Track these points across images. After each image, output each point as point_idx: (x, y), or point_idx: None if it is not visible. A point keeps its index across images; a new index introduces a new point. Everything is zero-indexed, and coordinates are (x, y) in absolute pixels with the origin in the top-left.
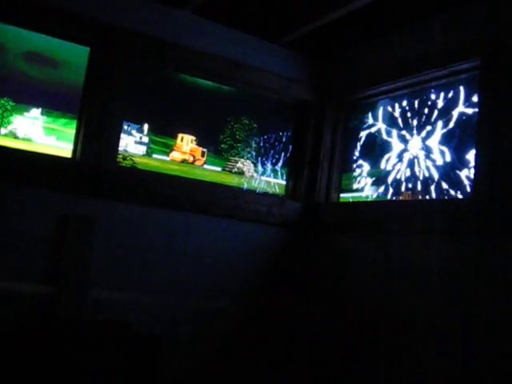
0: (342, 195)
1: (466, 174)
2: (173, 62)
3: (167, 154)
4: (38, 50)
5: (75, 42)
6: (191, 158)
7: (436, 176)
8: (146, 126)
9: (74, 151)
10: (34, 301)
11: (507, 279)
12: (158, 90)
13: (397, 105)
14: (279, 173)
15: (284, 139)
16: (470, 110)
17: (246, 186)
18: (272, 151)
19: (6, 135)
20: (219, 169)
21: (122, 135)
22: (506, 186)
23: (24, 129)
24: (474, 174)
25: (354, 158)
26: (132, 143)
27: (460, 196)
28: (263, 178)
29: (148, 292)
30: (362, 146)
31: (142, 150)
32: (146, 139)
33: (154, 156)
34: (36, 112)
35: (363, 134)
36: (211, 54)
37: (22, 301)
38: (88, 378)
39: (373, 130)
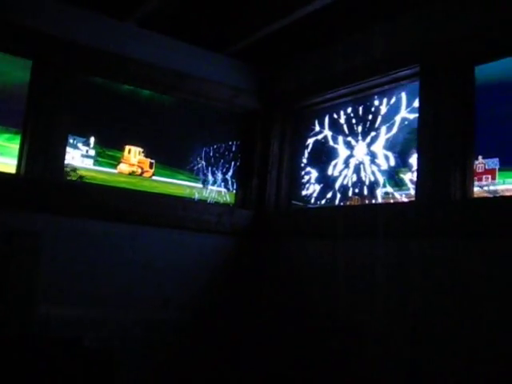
0: (292, 202)
1: (410, 178)
2: (118, 74)
3: (115, 166)
4: None
5: (17, 55)
6: (139, 170)
7: (381, 180)
8: (92, 139)
9: (19, 166)
10: None
11: (452, 279)
12: (103, 103)
13: (342, 112)
14: (230, 182)
15: (234, 148)
16: (411, 116)
17: (196, 196)
18: (222, 161)
19: None
20: (169, 180)
21: (68, 149)
22: (445, 188)
23: None
24: (417, 178)
25: (302, 165)
26: (78, 156)
27: (405, 199)
28: (214, 187)
29: (98, 306)
30: (309, 153)
31: (89, 163)
32: (92, 152)
33: (102, 169)
34: None
35: (310, 142)
36: (156, 66)
37: None
38: None
39: (319, 137)
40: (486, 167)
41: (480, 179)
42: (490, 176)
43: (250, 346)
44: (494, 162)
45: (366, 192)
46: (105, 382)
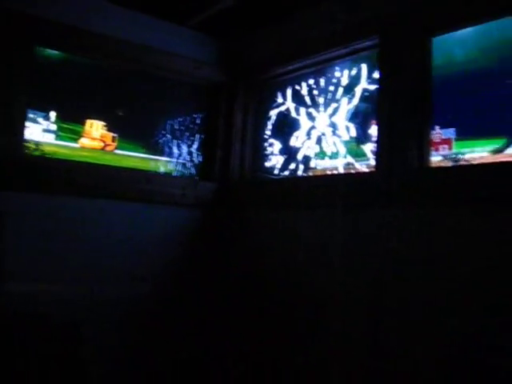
0: (256, 173)
1: (371, 148)
2: (78, 48)
3: (76, 140)
4: None
5: None
6: (101, 144)
7: (343, 151)
8: (52, 114)
9: None
10: None
11: (408, 248)
12: (63, 76)
13: (304, 83)
14: (195, 154)
15: (198, 121)
16: (372, 87)
17: (162, 169)
18: (187, 133)
19: None
20: (132, 153)
21: (28, 124)
22: (403, 158)
23: None
24: (376, 148)
25: (266, 136)
26: (39, 132)
27: (365, 169)
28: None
29: (63, 281)
30: (272, 125)
31: (50, 138)
32: (53, 127)
33: (63, 143)
34: None
35: (273, 113)
36: (118, 39)
37: None
38: (9, 371)
39: (282, 108)
40: (443, 137)
41: (437, 149)
42: (446, 146)
43: (217, 317)
44: (450, 132)
45: (327, 163)
46: (71, 356)
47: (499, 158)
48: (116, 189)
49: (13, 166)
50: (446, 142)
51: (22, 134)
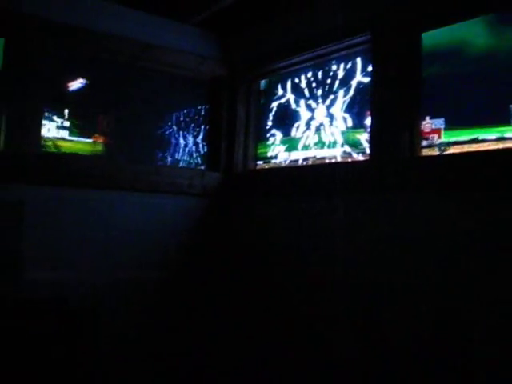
0: (259, 163)
1: (366, 138)
2: (84, 47)
3: (89, 136)
4: None
5: None
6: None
7: (340, 141)
8: (66, 111)
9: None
10: None
11: (400, 231)
12: (75, 75)
13: (303, 76)
14: (200, 145)
15: (203, 112)
16: (366, 79)
17: (169, 159)
18: (193, 125)
19: None
20: None
21: (44, 121)
22: (396, 147)
23: None
24: (370, 138)
25: (268, 127)
26: (54, 128)
27: (361, 158)
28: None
29: (79, 268)
30: (274, 116)
31: (65, 134)
32: (67, 123)
33: (77, 139)
34: None
35: (274, 105)
36: (123, 37)
37: None
38: (29, 353)
39: (283, 100)
40: (433, 127)
41: (427, 138)
42: (436, 135)
43: (223, 301)
44: (439, 122)
45: (326, 152)
46: (90, 340)
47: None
48: (127, 180)
49: (30, 160)
50: (436, 131)
51: (38, 130)
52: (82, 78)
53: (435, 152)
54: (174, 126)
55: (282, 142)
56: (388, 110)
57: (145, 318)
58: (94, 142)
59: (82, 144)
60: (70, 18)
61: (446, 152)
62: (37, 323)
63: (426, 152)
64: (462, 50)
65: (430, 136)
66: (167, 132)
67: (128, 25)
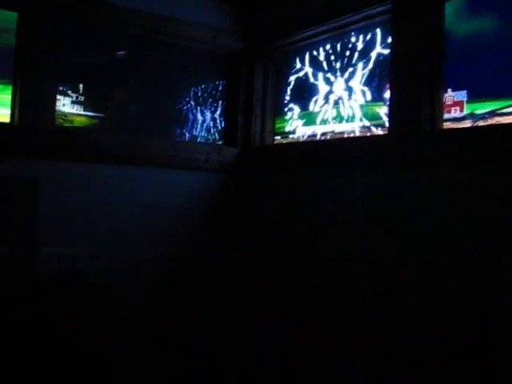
0: (276, 138)
1: (385, 112)
2: (102, 21)
3: (106, 111)
4: None
5: (3, 8)
6: None
7: (359, 114)
8: (81, 86)
9: (12, 116)
10: None
11: (422, 207)
12: (89, 50)
13: (321, 49)
14: (218, 121)
15: (221, 87)
16: (386, 51)
17: (187, 135)
18: (210, 100)
19: None
20: None
21: (59, 96)
22: (416, 120)
23: None
24: (389, 111)
25: (285, 102)
26: (69, 103)
27: (380, 132)
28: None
29: (95, 244)
30: (291, 90)
31: (79, 108)
32: (82, 98)
33: (92, 114)
34: None
35: (292, 79)
36: (140, 11)
37: None
38: (47, 326)
39: (300, 74)
40: (455, 99)
41: (449, 111)
42: (458, 108)
43: (245, 275)
44: (461, 95)
45: (344, 126)
46: (105, 315)
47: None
48: (144, 156)
49: (44, 135)
50: (458, 104)
51: (53, 105)
52: (99, 52)
53: (467, 124)
54: (192, 102)
55: (300, 117)
56: (408, 82)
57: (161, 293)
58: (109, 117)
59: (98, 119)
60: None
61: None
62: (54, 297)
63: (448, 126)
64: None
65: (452, 109)
66: (185, 107)
67: None
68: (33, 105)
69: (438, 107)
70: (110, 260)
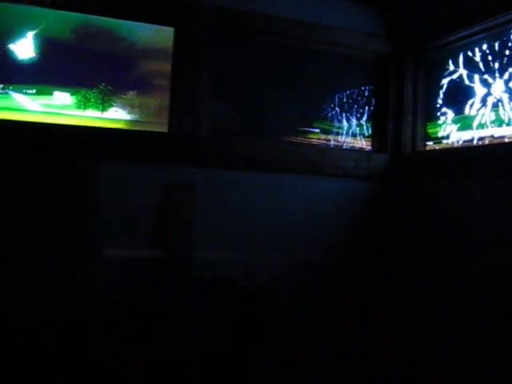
0: (428, 144)
1: None
2: (250, 30)
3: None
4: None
5: (159, 24)
6: None
7: None
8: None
9: (170, 125)
10: (147, 264)
11: None
12: (238, 60)
13: (477, 49)
14: (364, 127)
15: (367, 93)
16: None
17: (332, 142)
18: (356, 106)
19: (110, 119)
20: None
21: None
22: None
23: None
24: None
25: (438, 106)
26: None
27: None
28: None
29: (246, 249)
30: (444, 94)
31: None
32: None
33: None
34: (132, 94)
35: (445, 82)
36: (286, 18)
37: (137, 265)
38: (197, 328)
39: (454, 76)
40: None
41: None
42: None
43: (392, 283)
44: None
45: (505, 130)
46: (258, 320)
47: None
48: (293, 163)
49: (200, 144)
50: None
51: (208, 115)
52: (250, 62)
53: None
54: (337, 108)
55: (454, 121)
56: None
57: (311, 302)
58: (261, 124)
59: (250, 126)
60: (232, 3)
61: None
62: (207, 300)
63: None
64: None
65: None
66: (330, 114)
67: (289, 5)
68: (189, 114)
69: None
70: (259, 266)
